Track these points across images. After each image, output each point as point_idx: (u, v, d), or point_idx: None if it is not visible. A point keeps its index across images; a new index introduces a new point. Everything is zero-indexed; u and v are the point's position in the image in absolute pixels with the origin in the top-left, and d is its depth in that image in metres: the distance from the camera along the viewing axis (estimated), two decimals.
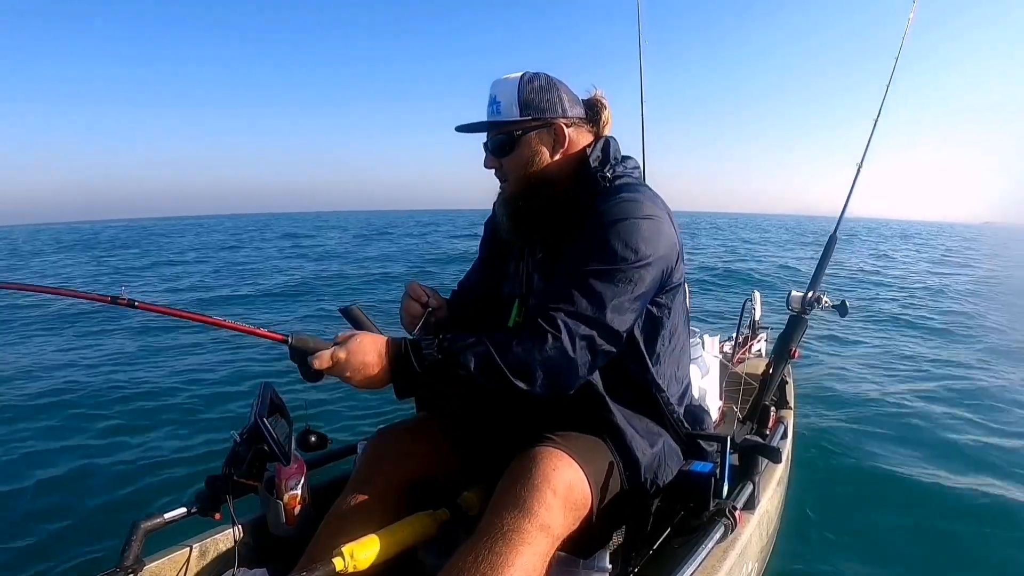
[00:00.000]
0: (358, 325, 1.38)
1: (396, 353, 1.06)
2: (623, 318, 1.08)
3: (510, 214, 1.28)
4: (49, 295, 1.21)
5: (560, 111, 1.22)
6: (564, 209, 1.23)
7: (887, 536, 2.40)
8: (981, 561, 2.25)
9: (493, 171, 1.29)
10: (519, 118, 1.20)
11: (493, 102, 1.22)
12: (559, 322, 1.04)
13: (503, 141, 1.23)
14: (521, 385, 1.04)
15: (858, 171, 2.27)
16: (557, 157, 1.23)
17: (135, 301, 1.09)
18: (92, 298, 1.10)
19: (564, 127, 1.22)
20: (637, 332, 1.18)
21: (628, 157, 1.28)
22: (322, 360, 1.05)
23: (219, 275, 12.81)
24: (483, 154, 1.29)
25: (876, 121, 2.29)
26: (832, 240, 2.24)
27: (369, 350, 1.06)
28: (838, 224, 2.27)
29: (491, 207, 1.40)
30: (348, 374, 1.05)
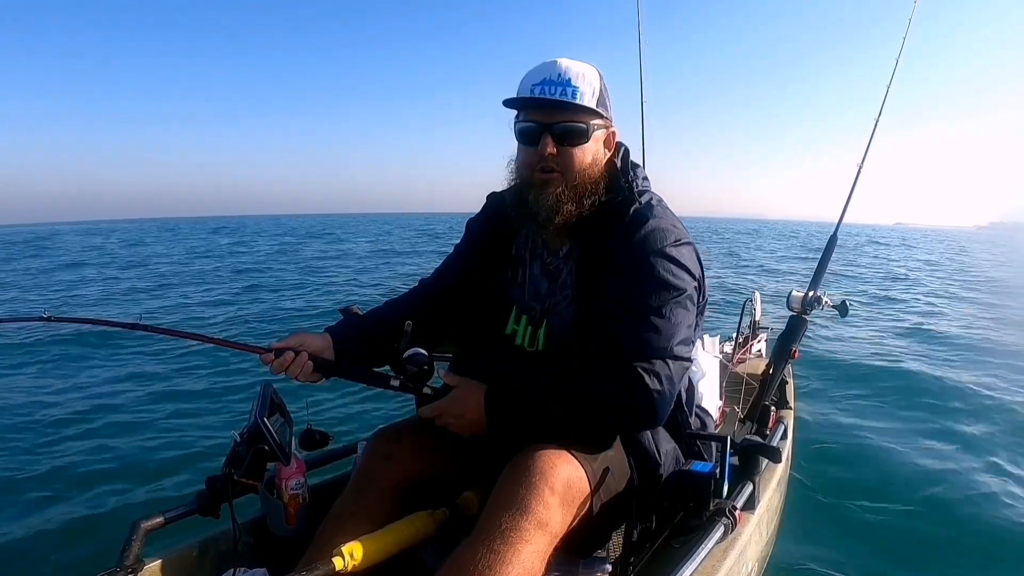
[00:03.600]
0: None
1: (491, 408, 1.14)
2: (688, 347, 1.13)
3: (557, 211, 1.16)
4: (88, 326, 1.46)
5: (611, 114, 1.21)
6: (596, 218, 1.20)
7: (887, 535, 2.40)
8: (982, 559, 2.25)
9: (539, 158, 1.15)
10: (595, 114, 1.15)
11: (566, 84, 1.13)
12: (641, 367, 1.06)
13: (577, 130, 1.15)
14: (618, 424, 1.13)
15: (859, 171, 2.27)
16: (603, 162, 1.21)
17: (149, 325, 1.31)
18: (120, 325, 1.35)
19: (614, 133, 1.21)
20: None
21: (636, 165, 1.27)
22: (428, 411, 1.18)
23: None
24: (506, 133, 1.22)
25: (877, 121, 2.30)
26: (832, 240, 2.25)
27: (470, 405, 1.15)
28: (838, 224, 2.27)
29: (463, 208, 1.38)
30: (450, 424, 1.18)
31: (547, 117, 1.14)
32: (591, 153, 1.17)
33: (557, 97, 1.12)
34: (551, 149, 1.15)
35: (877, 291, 10.95)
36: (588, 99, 1.14)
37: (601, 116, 1.17)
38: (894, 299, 10.00)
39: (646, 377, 1.06)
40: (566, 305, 1.23)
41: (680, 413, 1.26)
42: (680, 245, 1.14)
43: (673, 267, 1.11)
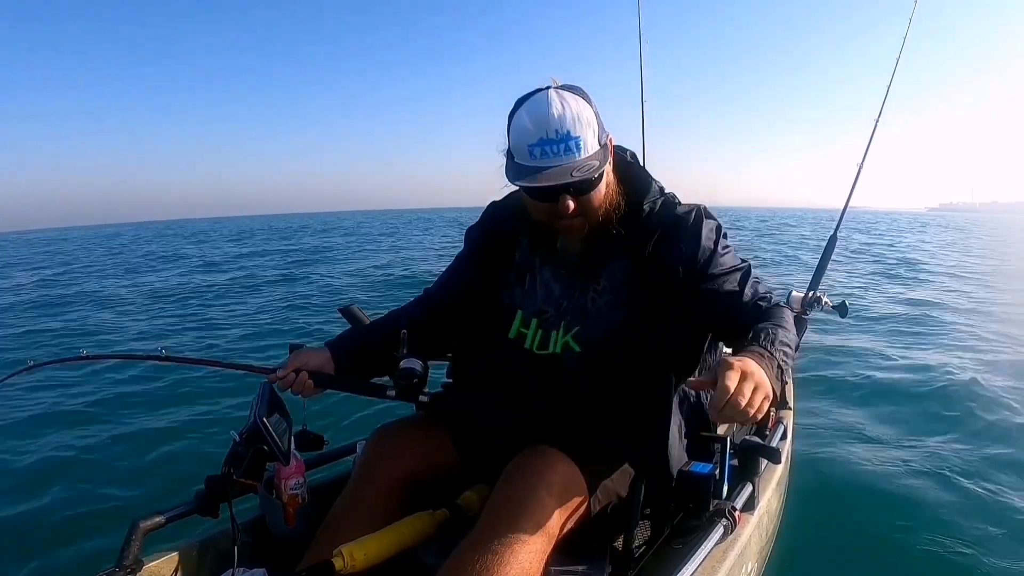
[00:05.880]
0: (356, 323, 1.41)
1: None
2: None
3: (589, 243, 1.18)
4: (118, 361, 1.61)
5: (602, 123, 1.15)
6: (633, 222, 1.20)
7: (887, 535, 2.40)
8: (982, 562, 2.25)
9: (560, 213, 1.12)
10: (598, 150, 1.09)
11: (566, 138, 1.04)
12: (775, 303, 1.18)
13: (592, 181, 1.09)
14: None
15: (859, 171, 2.28)
16: (615, 177, 1.19)
17: (170, 356, 1.41)
18: (148, 358, 1.47)
19: (611, 141, 1.17)
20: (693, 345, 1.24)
21: (641, 165, 1.28)
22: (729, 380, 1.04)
23: None
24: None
25: (877, 121, 2.30)
26: (832, 240, 2.25)
27: (759, 366, 1.01)
28: (839, 223, 2.28)
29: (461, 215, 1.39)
30: (755, 393, 1.05)
31: (559, 178, 1.05)
32: (605, 185, 1.14)
33: (563, 158, 1.05)
34: (572, 205, 1.10)
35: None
36: (592, 144, 1.07)
37: (602, 145, 1.12)
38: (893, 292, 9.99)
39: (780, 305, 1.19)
40: (609, 309, 1.21)
41: (681, 414, 1.25)
42: (719, 225, 1.24)
43: (725, 246, 1.23)
